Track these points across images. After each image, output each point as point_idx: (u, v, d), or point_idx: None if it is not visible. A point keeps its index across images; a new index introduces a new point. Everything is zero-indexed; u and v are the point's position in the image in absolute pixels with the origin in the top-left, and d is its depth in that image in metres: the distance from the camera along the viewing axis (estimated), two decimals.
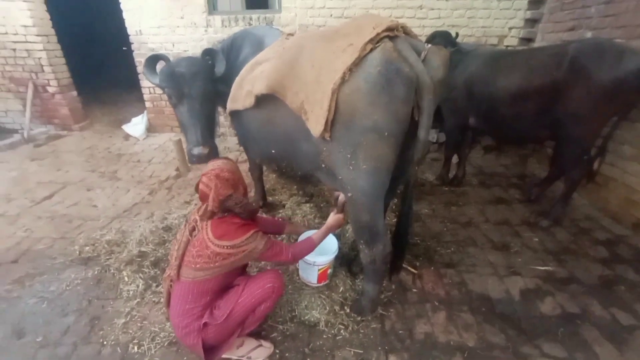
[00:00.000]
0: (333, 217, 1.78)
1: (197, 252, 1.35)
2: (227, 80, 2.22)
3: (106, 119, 5.84)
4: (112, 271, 2.22)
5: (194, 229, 1.42)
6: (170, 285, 1.48)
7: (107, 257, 2.35)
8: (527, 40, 4.00)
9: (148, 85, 4.78)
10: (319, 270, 1.95)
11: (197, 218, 1.42)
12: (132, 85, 7.11)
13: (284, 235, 2.32)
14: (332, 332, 1.77)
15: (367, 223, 1.48)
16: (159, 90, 4.81)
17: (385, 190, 1.44)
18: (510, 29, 4.01)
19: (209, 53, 2.20)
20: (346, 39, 1.32)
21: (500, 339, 1.75)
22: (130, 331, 1.79)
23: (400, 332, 1.79)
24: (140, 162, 4.05)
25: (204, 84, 2.11)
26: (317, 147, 1.47)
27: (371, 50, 1.23)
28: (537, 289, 2.08)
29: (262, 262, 2.20)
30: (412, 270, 2.16)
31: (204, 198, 1.44)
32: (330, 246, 2.02)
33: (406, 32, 1.32)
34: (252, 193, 2.95)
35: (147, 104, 4.94)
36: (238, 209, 1.40)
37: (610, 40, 2.42)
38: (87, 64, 7.99)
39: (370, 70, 1.21)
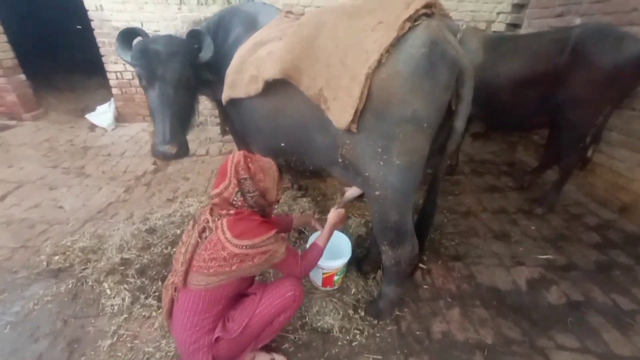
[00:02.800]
0: (334, 214, 1.64)
1: (209, 256, 1.17)
2: (213, 66, 1.96)
3: (64, 108, 5.23)
4: (90, 283, 1.95)
5: (204, 229, 1.24)
6: (174, 294, 1.28)
7: (83, 267, 2.06)
8: (514, 25, 4.00)
9: (115, 69, 4.30)
10: (323, 274, 1.82)
11: (209, 218, 1.23)
12: (92, 69, 6.44)
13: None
14: (348, 338, 1.67)
15: (395, 223, 1.35)
16: (127, 75, 4.35)
17: (418, 186, 1.31)
18: (498, 14, 3.98)
19: (195, 35, 1.90)
20: (373, 15, 1.15)
21: (516, 333, 1.73)
22: (120, 354, 1.57)
23: (417, 332, 1.71)
24: (111, 155, 3.64)
25: (182, 67, 1.81)
26: (337, 140, 1.31)
27: (410, 29, 1.06)
28: (542, 278, 2.09)
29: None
30: (421, 265, 2.09)
31: (222, 173, 1.27)
32: (342, 249, 1.88)
33: (440, 10, 1.17)
34: None
35: (115, 91, 4.44)
36: (249, 199, 1.25)
37: (611, 25, 2.42)
38: (37, 44, 7.10)
39: (412, 51, 1.05)
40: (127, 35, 1.86)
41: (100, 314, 1.77)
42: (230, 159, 1.27)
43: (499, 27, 4.05)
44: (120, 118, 4.56)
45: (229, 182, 1.24)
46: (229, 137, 4.03)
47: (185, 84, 1.85)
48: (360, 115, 1.16)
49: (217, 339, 1.26)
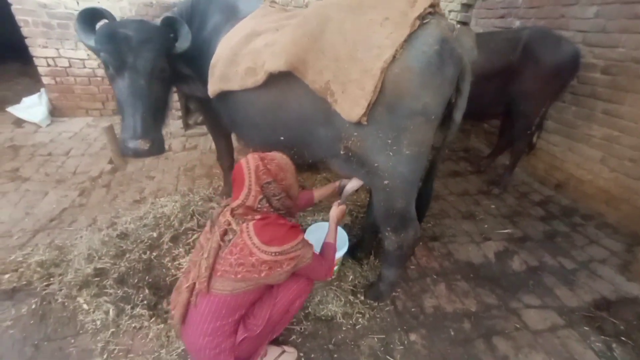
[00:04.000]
0: (337, 210, 1.67)
1: (236, 260, 1.12)
2: (189, 56, 1.81)
3: None
4: (59, 300, 1.73)
5: (226, 232, 1.17)
6: (193, 299, 1.21)
7: (46, 284, 1.81)
8: (463, 23, 4.36)
9: (45, 54, 3.71)
10: None
11: (230, 220, 1.16)
12: (10, 54, 5.49)
13: None
14: (351, 322, 1.74)
15: (400, 210, 1.43)
16: (62, 63, 3.80)
17: (422, 174, 1.40)
18: (449, 12, 4.30)
19: (170, 22, 1.72)
20: (377, 11, 1.18)
21: (493, 299, 1.97)
22: None
23: (412, 309, 1.86)
24: (52, 155, 3.17)
25: (156, 57, 1.63)
26: (342, 132, 1.33)
27: (419, 26, 1.12)
28: (505, 250, 2.39)
29: None
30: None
31: (238, 182, 1.20)
32: (339, 241, 1.93)
33: (439, 10, 1.25)
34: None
35: (46, 80, 3.84)
36: (276, 202, 1.22)
37: (550, 29, 2.78)
38: None
39: (425, 48, 1.11)
40: (89, 16, 1.63)
41: (80, 332, 1.59)
42: (246, 165, 1.20)
43: None
44: (56, 112, 3.97)
45: (248, 190, 1.18)
46: (193, 131, 3.81)
47: (159, 75, 1.68)
48: (371, 108, 1.20)
49: (243, 339, 1.23)
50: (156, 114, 1.74)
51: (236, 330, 1.25)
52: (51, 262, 1.93)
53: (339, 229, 2.00)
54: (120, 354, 1.51)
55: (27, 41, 3.70)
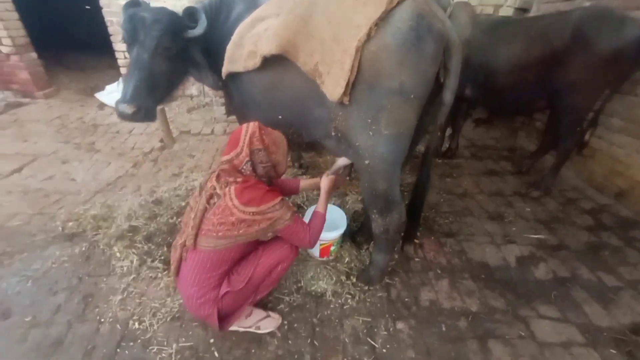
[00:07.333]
0: (326, 180, 1.69)
1: (218, 220, 1.27)
2: (211, 44, 1.97)
3: (74, 86, 5.36)
4: (101, 247, 2.09)
5: (212, 196, 1.32)
6: (184, 255, 1.39)
7: (95, 233, 2.20)
8: (523, 10, 3.93)
9: (122, 49, 4.36)
10: (320, 245, 1.92)
11: (216, 185, 1.31)
12: (101, 49, 6.54)
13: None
14: (339, 301, 1.78)
15: (383, 192, 1.43)
16: None
17: (405, 156, 1.38)
18: None
19: (191, 12, 1.92)
20: None
21: (501, 303, 1.82)
22: (129, 307, 1.71)
23: (406, 299, 1.82)
24: (119, 133, 3.76)
25: (163, 36, 1.79)
26: (331, 112, 1.38)
27: (398, 3, 1.11)
28: (531, 256, 2.16)
29: None
30: (415, 240, 2.17)
31: (234, 140, 1.37)
32: (338, 222, 1.98)
33: None
34: None
35: (123, 70, 4.52)
36: (261, 169, 1.36)
37: (612, 8, 2.38)
38: (47, 23, 7.17)
39: (399, 25, 1.10)
40: (130, 6, 1.93)
41: (111, 273, 1.91)
42: (245, 129, 1.36)
43: (507, 11, 3.97)
44: None
45: (240, 150, 1.34)
46: (234, 117, 4.13)
47: (163, 53, 1.83)
48: (352, 87, 1.22)
49: (225, 293, 1.37)
50: (154, 87, 1.87)
51: (220, 284, 1.40)
52: (101, 217, 2.33)
53: (338, 209, 2.05)
54: (136, 295, 1.78)
55: (112, 38, 4.41)
